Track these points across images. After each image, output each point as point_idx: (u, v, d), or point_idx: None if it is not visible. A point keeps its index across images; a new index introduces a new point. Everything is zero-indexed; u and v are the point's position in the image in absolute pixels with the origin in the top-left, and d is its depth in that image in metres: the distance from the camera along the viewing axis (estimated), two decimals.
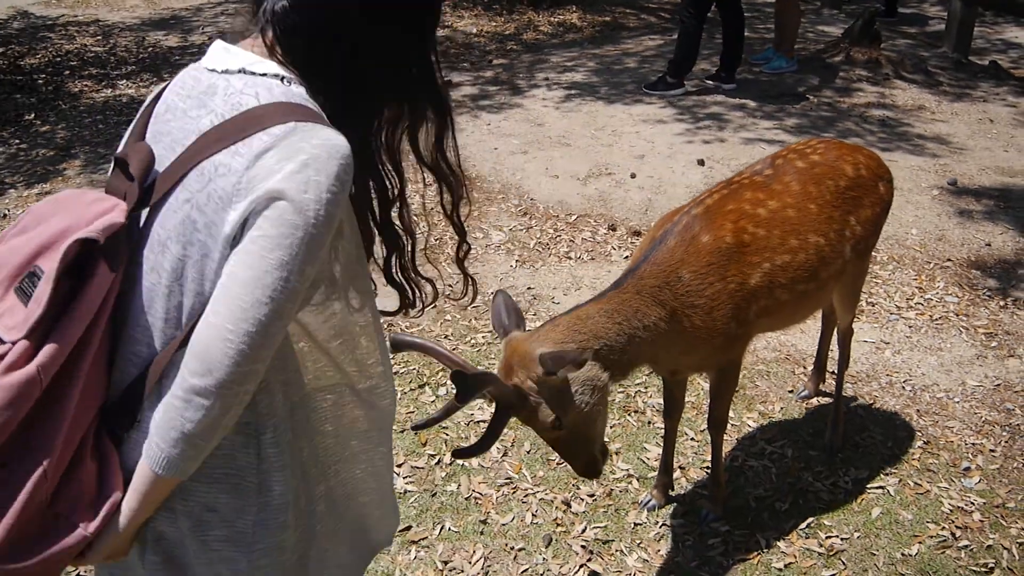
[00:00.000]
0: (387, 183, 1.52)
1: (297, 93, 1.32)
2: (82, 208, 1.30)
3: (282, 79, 1.33)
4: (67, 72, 8.43)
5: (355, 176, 1.33)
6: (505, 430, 3.30)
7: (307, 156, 1.24)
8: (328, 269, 1.42)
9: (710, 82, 7.37)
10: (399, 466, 3.18)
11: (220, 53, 1.37)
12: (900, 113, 6.80)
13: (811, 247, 2.56)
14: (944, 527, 2.91)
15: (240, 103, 1.29)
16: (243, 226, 1.25)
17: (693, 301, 2.37)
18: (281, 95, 1.30)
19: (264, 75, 1.33)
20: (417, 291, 1.65)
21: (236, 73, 1.33)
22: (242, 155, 1.25)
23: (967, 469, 3.16)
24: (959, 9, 8.04)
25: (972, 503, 3.00)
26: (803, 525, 2.93)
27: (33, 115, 7.21)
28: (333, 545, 1.61)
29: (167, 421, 1.25)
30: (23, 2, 11.74)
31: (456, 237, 1.67)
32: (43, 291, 1.22)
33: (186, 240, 1.28)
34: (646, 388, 3.58)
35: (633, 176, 5.61)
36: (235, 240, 1.25)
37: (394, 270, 1.60)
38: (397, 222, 1.57)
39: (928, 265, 4.55)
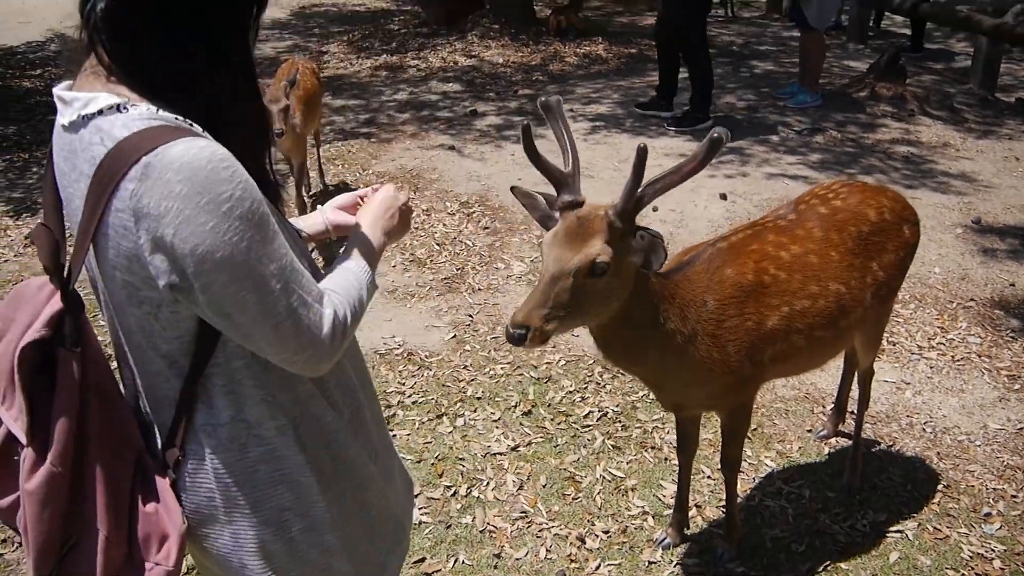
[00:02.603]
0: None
1: (136, 116, 1.25)
2: (33, 298, 1.37)
3: (118, 108, 1.26)
4: None
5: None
6: (522, 463, 3.33)
7: (179, 186, 1.19)
8: None
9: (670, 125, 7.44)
10: (415, 496, 3.19)
11: (60, 106, 1.33)
12: (925, 150, 6.78)
13: (831, 295, 2.55)
14: (963, 574, 2.87)
15: (94, 156, 1.25)
16: (180, 277, 1.24)
17: (712, 331, 2.36)
18: (122, 128, 1.24)
19: (100, 112, 1.26)
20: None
21: (81, 124, 1.28)
22: (122, 211, 1.22)
23: (988, 515, 3.12)
24: (985, 45, 8.04)
25: (992, 550, 2.96)
26: (820, 568, 2.90)
27: None
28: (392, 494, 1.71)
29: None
30: (61, 25, 12.02)
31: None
32: (19, 401, 1.30)
33: (136, 300, 1.30)
34: (663, 424, 3.58)
35: (655, 209, 5.63)
36: (182, 287, 1.25)
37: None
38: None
39: (951, 304, 4.52)
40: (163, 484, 1.42)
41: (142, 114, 1.25)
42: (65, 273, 1.36)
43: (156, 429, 1.45)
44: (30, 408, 1.30)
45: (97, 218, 1.24)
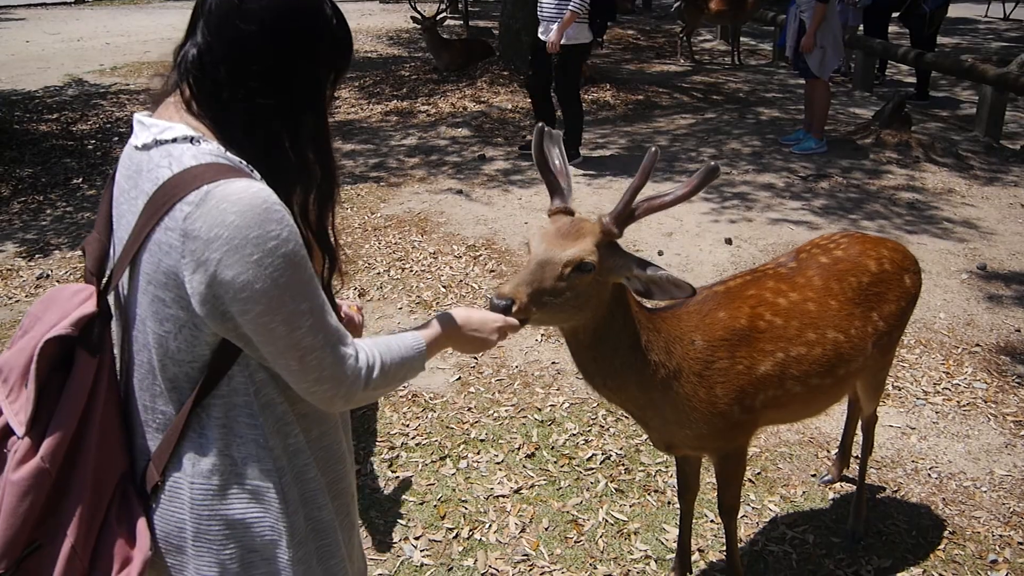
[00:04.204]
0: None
1: (207, 151, 1.36)
2: (65, 302, 1.42)
3: (191, 140, 1.37)
4: (116, 139, 8.77)
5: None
6: (525, 505, 3.32)
7: (233, 217, 1.28)
8: None
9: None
10: (416, 539, 3.19)
11: (138, 128, 1.44)
12: (929, 196, 6.82)
13: (829, 343, 2.55)
14: None
15: (158, 177, 1.35)
16: (212, 303, 1.31)
17: (699, 370, 2.37)
18: (191, 158, 1.34)
19: (174, 140, 1.37)
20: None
21: (153, 146, 1.39)
22: (172, 230, 1.31)
23: (994, 562, 3.09)
24: (990, 94, 8.11)
25: None
26: None
27: (81, 179, 7.50)
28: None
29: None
30: (79, 70, 12.27)
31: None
32: (29, 391, 1.34)
33: (160, 317, 1.36)
34: (666, 467, 3.57)
35: (661, 253, 5.67)
36: (209, 315, 1.33)
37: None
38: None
39: (956, 350, 4.51)
40: (137, 507, 1.44)
41: (211, 150, 1.36)
42: (106, 280, 1.43)
43: (138, 450, 1.47)
44: (37, 401, 1.34)
45: (146, 233, 1.33)
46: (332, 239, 1.54)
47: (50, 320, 1.39)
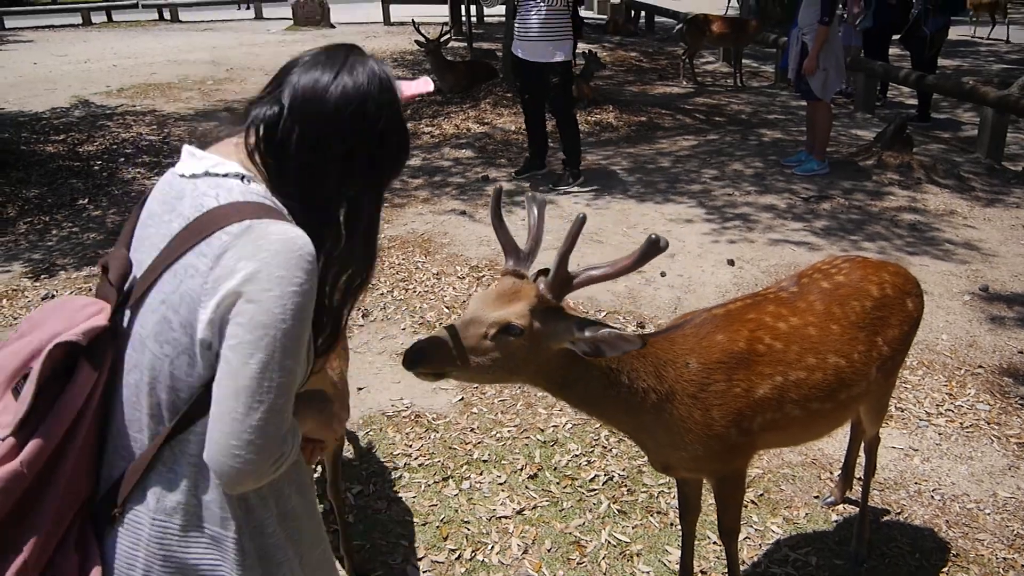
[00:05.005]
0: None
1: (256, 191, 1.42)
2: (72, 313, 1.41)
3: (242, 178, 1.42)
4: (122, 159, 8.83)
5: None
6: (528, 526, 3.32)
7: (265, 254, 1.32)
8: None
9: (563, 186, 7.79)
10: (419, 560, 3.19)
11: (188, 159, 1.48)
12: (931, 218, 6.84)
13: (830, 367, 2.54)
14: None
15: (202, 204, 1.39)
16: (219, 331, 1.33)
17: (694, 392, 2.37)
18: (240, 194, 1.39)
19: (226, 175, 1.42)
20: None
21: (201, 176, 1.43)
22: (205, 255, 1.34)
23: None
24: (991, 115, 8.15)
25: None
26: None
27: (87, 200, 7.54)
28: None
29: None
30: (86, 92, 12.37)
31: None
32: (28, 391, 1.31)
33: (163, 339, 1.36)
34: (669, 489, 3.57)
35: (663, 274, 5.69)
36: (210, 345, 1.34)
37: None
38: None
39: (959, 371, 4.51)
40: (91, 539, 1.40)
41: (259, 192, 1.42)
42: (122, 297, 1.42)
43: (103, 477, 1.43)
44: (33, 403, 1.31)
45: (178, 254, 1.36)
46: (344, 321, 1.59)
47: (53, 328, 1.38)
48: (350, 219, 1.51)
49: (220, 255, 1.33)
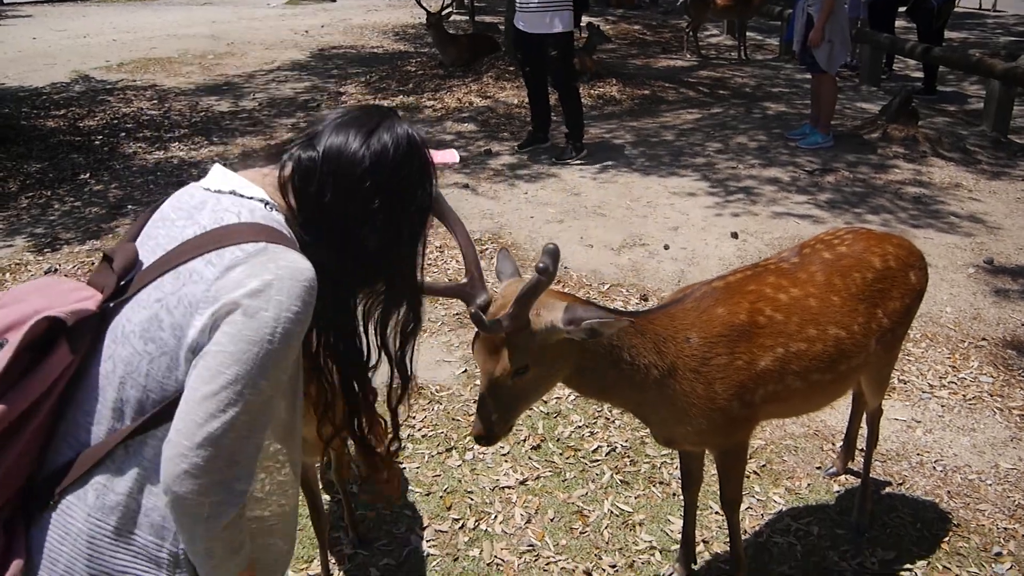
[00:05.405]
0: (355, 347, 1.63)
1: (276, 218, 1.46)
2: (59, 294, 1.40)
3: (266, 204, 1.47)
4: (123, 134, 8.80)
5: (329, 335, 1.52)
6: (531, 496, 3.34)
7: (272, 276, 1.34)
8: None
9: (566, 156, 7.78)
10: (423, 529, 3.21)
11: (218, 175, 1.52)
12: (936, 191, 6.80)
13: (830, 339, 2.53)
14: None
15: (222, 218, 1.42)
16: (209, 336, 1.33)
17: (696, 367, 2.37)
18: (261, 217, 1.43)
19: (251, 198, 1.46)
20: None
21: (227, 194, 1.47)
22: (214, 264, 1.35)
23: (998, 554, 3.09)
24: (998, 88, 8.09)
25: None
26: None
27: (88, 174, 7.52)
28: None
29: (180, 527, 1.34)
30: (85, 66, 12.30)
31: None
32: (2, 358, 1.29)
33: (149, 336, 1.35)
34: (672, 459, 3.58)
35: (667, 247, 5.68)
36: (197, 349, 1.33)
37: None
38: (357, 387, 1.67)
39: (962, 344, 4.51)
40: (19, 523, 1.35)
41: (279, 220, 1.47)
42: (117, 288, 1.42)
43: (46, 465, 1.38)
44: (5, 371, 1.28)
45: (187, 258, 1.37)
46: (409, 367, 1.66)
47: (35, 304, 1.35)
48: (386, 264, 1.55)
49: (230, 267, 1.35)
